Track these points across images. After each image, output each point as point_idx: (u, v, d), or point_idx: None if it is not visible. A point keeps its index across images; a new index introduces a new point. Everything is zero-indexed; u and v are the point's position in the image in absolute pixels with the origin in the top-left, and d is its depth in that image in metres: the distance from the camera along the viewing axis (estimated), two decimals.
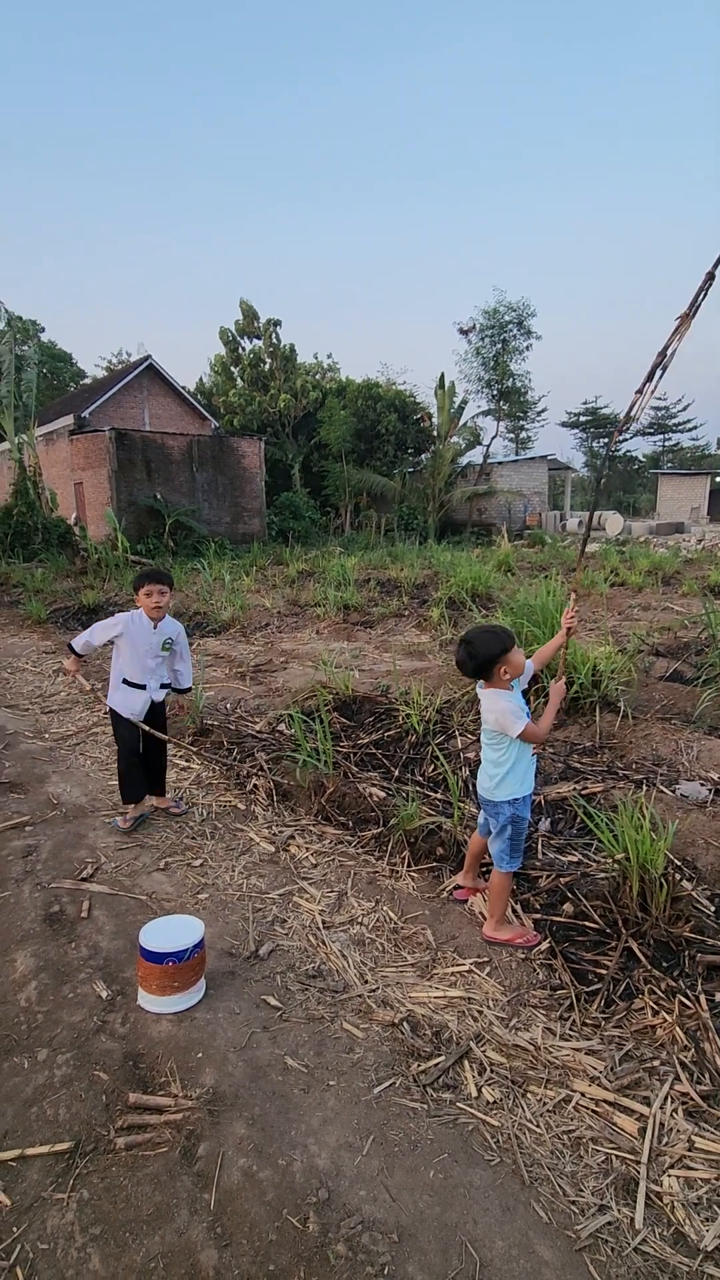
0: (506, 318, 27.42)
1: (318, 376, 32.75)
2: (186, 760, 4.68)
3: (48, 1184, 1.74)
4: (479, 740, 2.79)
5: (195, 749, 4.53)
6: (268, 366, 31.25)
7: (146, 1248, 1.56)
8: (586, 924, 2.64)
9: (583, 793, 3.65)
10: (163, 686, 3.79)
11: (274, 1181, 1.70)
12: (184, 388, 26.42)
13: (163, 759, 3.91)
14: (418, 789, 3.78)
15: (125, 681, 3.69)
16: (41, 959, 2.58)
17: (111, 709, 3.73)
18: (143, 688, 3.69)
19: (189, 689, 3.94)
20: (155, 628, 3.64)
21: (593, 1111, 1.92)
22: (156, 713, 3.81)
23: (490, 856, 2.73)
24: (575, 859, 3.12)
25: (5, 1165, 1.80)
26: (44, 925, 2.81)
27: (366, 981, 2.47)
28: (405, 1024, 2.24)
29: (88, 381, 36.29)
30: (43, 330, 38.46)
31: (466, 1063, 2.09)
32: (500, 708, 2.54)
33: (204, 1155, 1.78)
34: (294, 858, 3.38)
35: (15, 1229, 1.64)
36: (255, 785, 4.17)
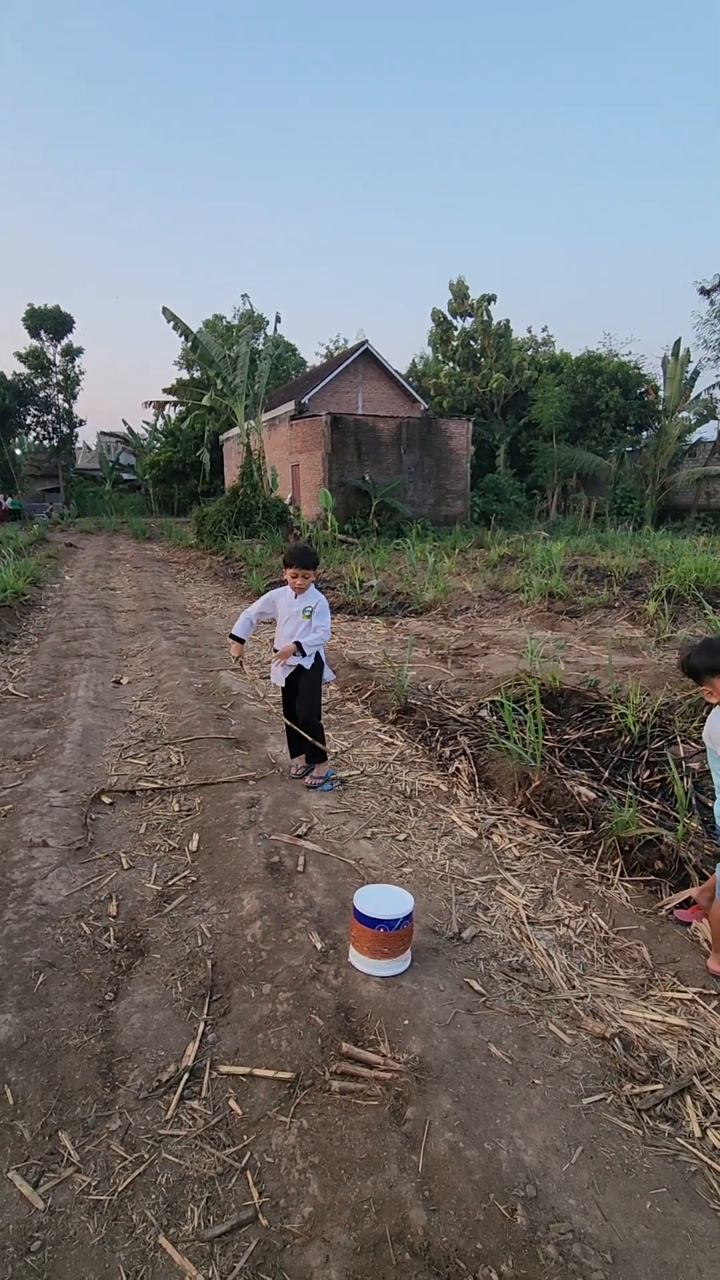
0: None
1: (530, 353, 31.50)
2: (390, 736, 4.84)
3: (272, 1105, 1.93)
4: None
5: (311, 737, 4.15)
6: (479, 345, 30.71)
7: (360, 1189, 1.67)
8: None
9: None
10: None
11: (480, 1163, 1.72)
12: (396, 371, 26.93)
13: (299, 723, 4.08)
14: (633, 795, 3.53)
15: (274, 651, 3.99)
16: (265, 902, 2.85)
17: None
18: None
19: (302, 647, 3.89)
20: (297, 596, 3.88)
21: None
22: (297, 679, 3.99)
23: None
24: None
25: (236, 1079, 2.03)
26: (266, 872, 3.09)
27: (574, 987, 2.39)
28: (618, 1040, 2.13)
29: (308, 369, 38.55)
30: (268, 324, 41.54)
31: (689, 1098, 1.93)
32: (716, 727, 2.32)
33: (411, 1119, 1.85)
34: (496, 847, 3.36)
35: (246, 1137, 1.84)
36: (457, 769, 4.19)
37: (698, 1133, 1.83)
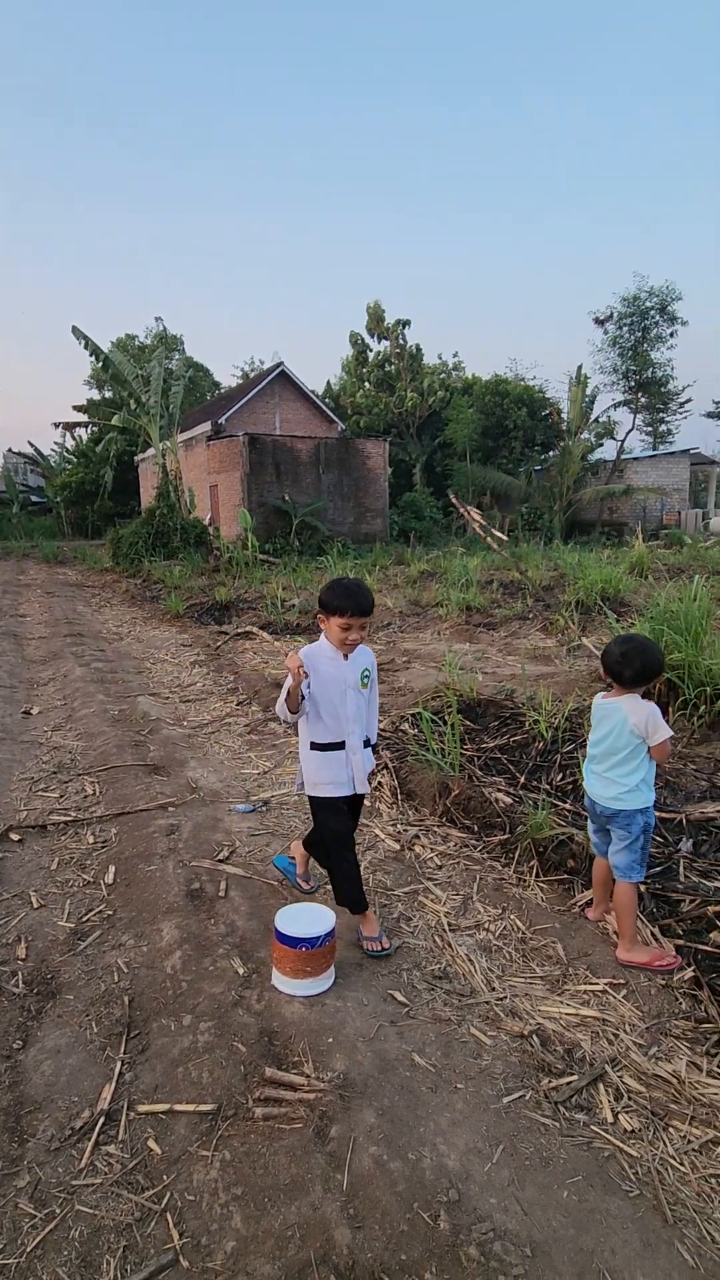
0: (648, 304, 25.88)
1: (443, 376, 32.65)
2: None
3: (193, 1140, 1.87)
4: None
5: None
6: (394, 368, 31.56)
7: (284, 1215, 1.64)
8: None
9: None
10: (365, 744, 2.69)
11: (404, 1174, 1.73)
12: (313, 391, 27.25)
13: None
14: (546, 797, 3.67)
15: (315, 746, 2.62)
16: (185, 931, 2.78)
17: (310, 798, 2.70)
18: (340, 746, 2.60)
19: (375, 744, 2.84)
20: (347, 658, 2.60)
21: None
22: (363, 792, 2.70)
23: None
24: None
25: (156, 1117, 1.95)
26: (186, 900, 3.01)
27: (494, 989, 2.44)
28: (535, 1037, 2.20)
29: (224, 390, 38.41)
30: (182, 344, 41.17)
31: (601, 1086, 2.01)
32: (648, 711, 2.49)
33: (336, 1137, 1.84)
34: (419, 857, 3.40)
35: (165, 1177, 1.78)
36: (379, 782, 4.23)
37: (610, 1118, 1.91)
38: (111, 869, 3.34)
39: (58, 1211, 1.70)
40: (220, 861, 3.34)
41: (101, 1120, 1.94)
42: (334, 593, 2.51)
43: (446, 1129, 1.87)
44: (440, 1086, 2.02)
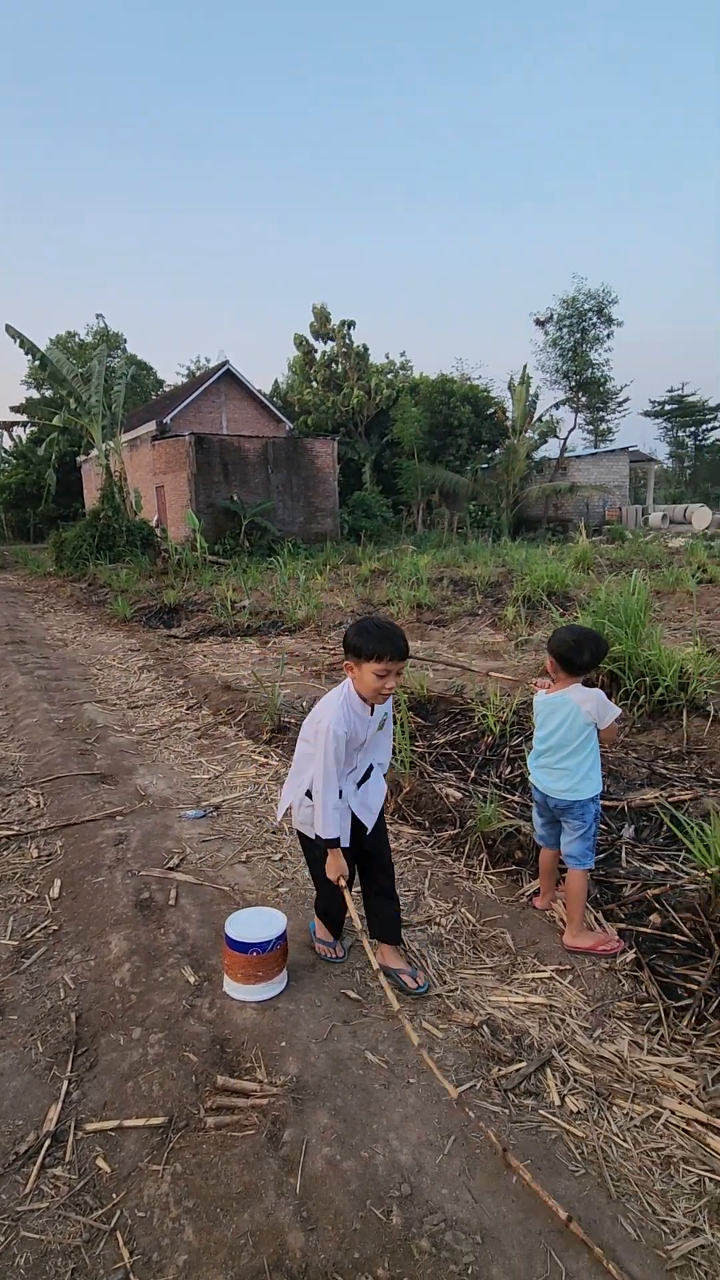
0: (586, 306, 26.57)
1: (390, 375, 32.84)
2: (265, 756, 4.80)
3: (144, 1155, 1.84)
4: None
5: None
6: (340, 368, 31.56)
7: (237, 1224, 1.63)
8: (675, 937, 2.55)
9: (669, 800, 3.52)
10: (360, 785, 2.45)
11: (357, 1172, 1.73)
12: (260, 390, 27.05)
13: (389, 888, 2.51)
14: (495, 791, 3.74)
15: (310, 794, 2.38)
16: (134, 942, 2.72)
17: (300, 832, 2.56)
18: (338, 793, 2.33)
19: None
20: (374, 711, 2.36)
21: (684, 1131, 1.86)
22: (375, 833, 2.48)
23: (564, 863, 2.70)
24: (662, 869, 3.01)
25: (105, 1134, 1.91)
26: (135, 910, 2.95)
27: (445, 982, 2.47)
28: (485, 1027, 2.23)
29: (169, 389, 37.74)
30: (125, 342, 40.30)
31: (549, 1070, 2.06)
32: (596, 695, 2.57)
33: (289, 1141, 1.83)
34: None
35: (115, 1195, 1.74)
36: None
37: (557, 1101, 1.95)
38: (57, 883, 3.24)
39: (2, 1239, 1.64)
40: (170, 869, 3.29)
41: (48, 1142, 1.88)
42: (367, 635, 2.19)
43: (399, 1124, 1.88)
44: (393, 1083, 2.03)
